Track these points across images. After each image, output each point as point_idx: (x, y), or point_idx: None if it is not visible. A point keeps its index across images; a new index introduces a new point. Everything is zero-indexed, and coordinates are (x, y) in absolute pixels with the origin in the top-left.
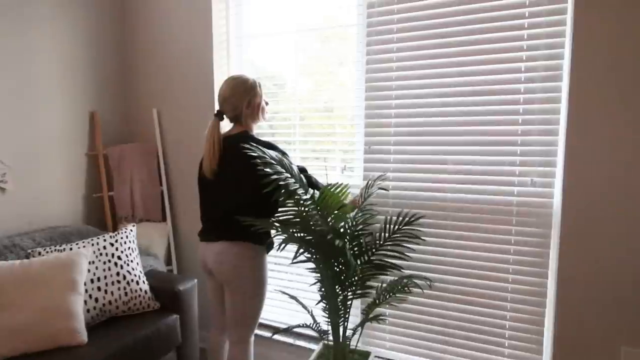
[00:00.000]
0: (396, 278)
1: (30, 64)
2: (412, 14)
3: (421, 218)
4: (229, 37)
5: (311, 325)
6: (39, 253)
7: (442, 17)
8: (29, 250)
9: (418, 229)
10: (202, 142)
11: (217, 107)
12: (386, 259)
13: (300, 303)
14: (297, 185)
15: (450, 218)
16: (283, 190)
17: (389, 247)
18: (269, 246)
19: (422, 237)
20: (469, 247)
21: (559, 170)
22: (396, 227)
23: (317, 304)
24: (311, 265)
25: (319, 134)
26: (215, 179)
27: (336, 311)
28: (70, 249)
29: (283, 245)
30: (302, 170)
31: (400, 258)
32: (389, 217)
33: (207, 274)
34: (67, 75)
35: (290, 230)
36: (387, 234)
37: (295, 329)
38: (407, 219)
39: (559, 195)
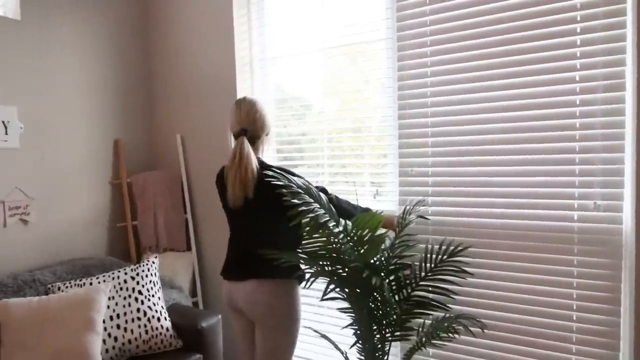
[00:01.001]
0: (440, 317)
1: (55, 93)
2: (447, 25)
3: (468, 248)
4: (252, 59)
5: None
6: (59, 288)
7: (481, 26)
8: (49, 286)
9: (464, 259)
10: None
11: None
12: (428, 296)
13: (333, 343)
14: (327, 217)
15: (500, 247)
16: (312, 222)
17: (431, 282)
18: (301, 278)
19: (469, 271)
20: (523, 280)
21: (627, 192)
22: (439, 258)
23: (351, 347)
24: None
25: (349, 156)
26: (240, 209)
27: (373, 354)
28: (91, 283)
29: (311, 280)
30: (322, 190)
31: (444, 294)
32: (429, 247)
33: (235, 312)
34: (91, 104)
35: (320, 263)
36: (429, 266)
37: None
38: (451, 249)
39: (629, 220)
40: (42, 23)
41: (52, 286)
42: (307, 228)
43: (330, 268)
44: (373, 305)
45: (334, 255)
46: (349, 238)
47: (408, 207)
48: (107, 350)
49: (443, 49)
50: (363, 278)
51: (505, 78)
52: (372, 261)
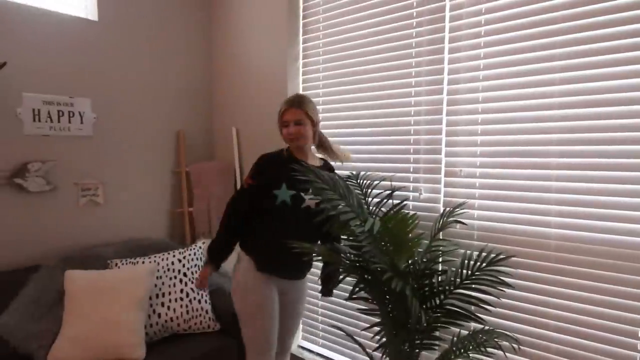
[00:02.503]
0: (472, 329)
1: (124, 87)
2: (504, 13)
3: (511, 257)
4: (300, 59)
5: None
6: (116, 264)
7: (536, 14)
8: (108, 261)
9: (505, 269)
10: None
11: None
12: (461, 305)
13: (359, 343)
14: (353, 215)
15: (552, 260)
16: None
17: (465, 292)
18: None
19: (509, 283)
20: (578, 299)
21: None
22: (477, 265)
23: (374, 350)
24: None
25: (385, 159)
26: None
27: (398, 359)
28: (143, 262)
29: (342, 276)
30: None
31: (478, 305)
32: (468, 254)
33: None
34: (156, 97)
35: (349, 260)
36: (465, 273)
37: None
38: (491, 257)
39: None
40: (116, 23)
41: (110, 262)
42: (333, 225)
43: (359, 265)
44: (396, 310)
45: (360, 255)
46: (374, 239)
47: (447, 210)
48: (151, 325)
49: (497, 39)
50: (385, 280)
51: (566, 71)
52: (403, 264)
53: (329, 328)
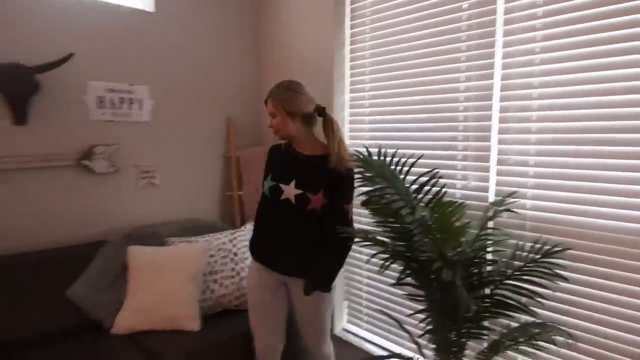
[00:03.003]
0: (523, 321)
1: (179, 74)
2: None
3: (568, 250)
4: (346, 46)
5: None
6: (172, 242)
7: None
8: (165, 239)
9: (561, 261)
10: None
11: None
12: (512, 296)
13: (406, 330)
14: (402, 203)
15: (611, 254)
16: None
17: (517, 282)
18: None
19: (564, 276)
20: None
21: None
22: (530, 257)
23: (421, 335)
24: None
25: (431, 146)
26: None
27: (445, 348)
28: (197, 241)
29: (386, 265)
30: None
31: (531, 297)
32: (520, 244)
33: None
34: (208, 85)
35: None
36: (517, 264)
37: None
38: (546, 248)
39: None
40: (171, 13)
41: (167, 240)
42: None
43: (405, 253)
44: (445, 298)
45: (407, 242)
46: (423, 228)
47: (498, 199)
48: (205, 300)
49: (556, 20)
50: (434, 269)
51: (634, 53)
52: (449, 253)
53: (373, 313)
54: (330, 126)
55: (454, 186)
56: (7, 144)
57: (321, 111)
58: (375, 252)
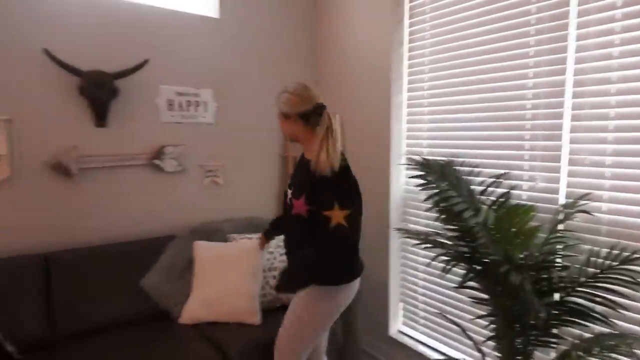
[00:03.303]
0: (594, 334)
1: (240, 78)
2: None
3: None
4: (404, 47)
5: None
6: (234, 238)
7: None
8: (228, 235)
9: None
10: (377, 150)
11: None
12: (586, 304)
13: (469, 336)
14: (465, 206)
15: None
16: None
17: (592, 290)
18: None
19: None
20: None
21: None
22: (607, 263)
23: (484, 341)
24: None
25: (494, 146)
26: None
27: (510, 356)
28: (257, 238)
29: (449, 267)
30: None
31: (608, 306)
32: (595, 250)
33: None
34: (266, 86)
35: (457, 249)
36: (592, 271)
37: None
38: (625, 255)
39: None
40: (234, 20)
41: (229, 236)
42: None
43: (467, 255)
44: (512, 303)
45: (471, 244)
46: (487, 230)
47: (570, 201)
48: (264, 295)
49: (638, 10)
50: (502, 273)
51: None
52: (517, 256)
53: (430, 316)
54: (324, 125)
55: (519, 187)
56: (91, 145)
57: (319, 109)
58: (435, 254)
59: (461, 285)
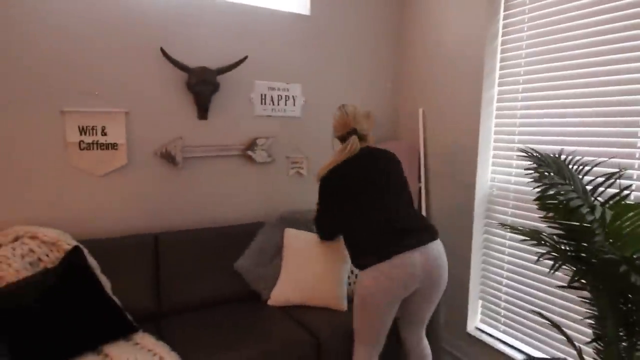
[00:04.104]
0: None
1: (326, 73)
2: None
3: None
4: (498, 43)
5: None
6: None
7: None
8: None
9: None
10: (463, 145)
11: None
12: None
13: (564, 334)
14: (581, 202)
15: None
16: (561, 206)
17: None
18: None
19: None
20: None
21: None
22: None
23: (588, 343)
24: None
25: (598, 143)
26: (379, 184)
27: (615, 358)
28: None
29: (557, 265)
30: None
31: None
32: None
33: (397, 296)
34: (350, 80)
35: (562, 247)
36: None
37: None
38: None
39: None
40: (324, 17)
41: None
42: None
43: (572, 254)
44: (623, 305)
45: (583, 243)
46: (603, 229)
47: None
48: (349, 284)
49: None
50: (618, 273)
51: None
52: (632, 259)
53: (510, 314)
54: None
55: (629, 188)
56: (193, 136)
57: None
58: (543, 252)
59: (569, 285)
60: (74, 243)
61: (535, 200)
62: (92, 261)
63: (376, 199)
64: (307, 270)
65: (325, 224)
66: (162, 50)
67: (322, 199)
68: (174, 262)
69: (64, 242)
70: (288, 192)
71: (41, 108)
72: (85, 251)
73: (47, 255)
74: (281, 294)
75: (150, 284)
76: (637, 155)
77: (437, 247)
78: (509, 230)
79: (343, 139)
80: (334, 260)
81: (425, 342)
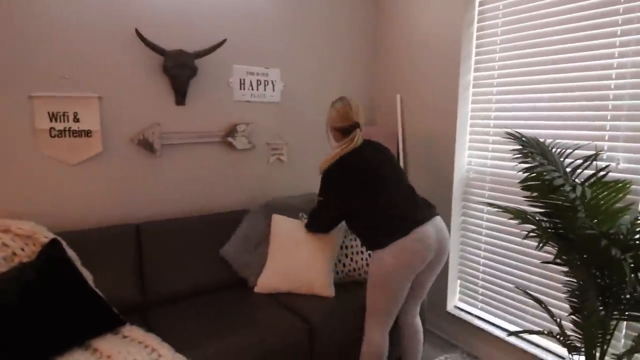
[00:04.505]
0: None
1: (303, 58)
2: None
3: None
4: (474, 29)
5: (558, 336)
6: (303, 215)
7: None
8: (300, 214)
9: None
10: (441, 130)
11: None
12: None
13: (547, 309)
14: (562, 181)
15: None
16: (544, 185)
17: None
18: None
19: None
20: None
21: None
22: None
23: (568, 315)
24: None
25: (569, 126)
26: (383, 171)
27: (593, 330)
28: None
29: (542, 243)
30: None
31: None
32: None
33: (412, 268)
34: (326, 66)
35: (543, 225)
36: None
37: (533, 337)
38: None
39: None
40: (297, 2)
41: (302, 215)
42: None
43: (555, 231)
44: (601, 279)
45: (565, 220)
46: (584, 206)
47: None
48: (337, 273)
49: None
50: (598, 248)
51: None
52: (609, 234)
53: (487, 292)
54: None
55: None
56: (171, 122)
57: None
58: (528, 231)
59: (553, 262)
60: (51, 235)
61: (521, 181)
62: (71, 254)
63: (386, 184)
64: (295, 257)
65: (325, 216)
66: (136, 31)
67: (327, 191)
68: (158, 252)
69: (40, 234)
70: (269, 179)
71: (7, 92)
72: (64, 243)
73: (23, 249)
74: (268, 281)
75: (134, 275)
76: (606, 138)
77: (441, 221)
78: (497, 210)
79: (344, 131)
80: (321, 248)
81: (419, 318)
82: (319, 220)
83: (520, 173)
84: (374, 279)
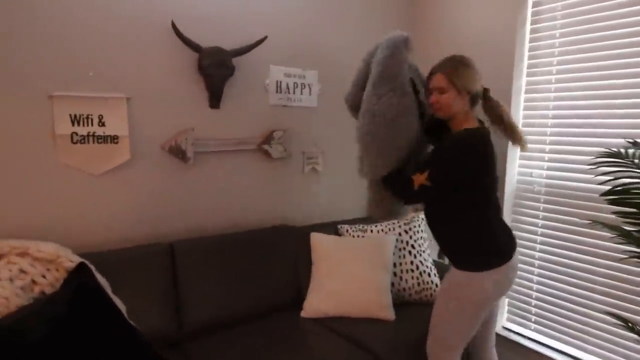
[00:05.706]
0: None
1: (342, 59)
2: None
3: None
4: (527, 31)
5: None
6: (347, 230)
7: None
8: (338, 226)
9: None
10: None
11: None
12: None
13: (637, 330)
14: None
15: None
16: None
17: None
18: None
19: None
20: None
21: None
22: None
23: None
24: None
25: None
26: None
27: None
28: (371, 231)
29: None
30: None
31: None
32: None
33: (505, 294)
34: None
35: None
36: None
37: None
38: None
39: None
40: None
41: (341, 227)
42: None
43: None
44: None
45: None
46: None
47: None
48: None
49: None
50: None
51: None
52: None
53: (541, 312)
54: (502, 109)
55: None
56: (205, 127)
57: (486, 93)
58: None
59: None
60: (77, 259)
61: (608, 195)
62: (101, 280)
63: (495, 192)
64: (345, 278)
65: (427, 193)
66: (172, 24)
67: (454, 166)
68: (195, 275)
69: (65, 258)
70: (305, 191)
71: (23, 90)
72: (93, 268)
73: (44, 277)
74: (316, 304)
75: (170, 302)
76: None
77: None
78: (601, 228)
79: (476, 99)
80: (373, 264)
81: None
82: (411, 188)
83: (600, 186)
84: (465, 306)
